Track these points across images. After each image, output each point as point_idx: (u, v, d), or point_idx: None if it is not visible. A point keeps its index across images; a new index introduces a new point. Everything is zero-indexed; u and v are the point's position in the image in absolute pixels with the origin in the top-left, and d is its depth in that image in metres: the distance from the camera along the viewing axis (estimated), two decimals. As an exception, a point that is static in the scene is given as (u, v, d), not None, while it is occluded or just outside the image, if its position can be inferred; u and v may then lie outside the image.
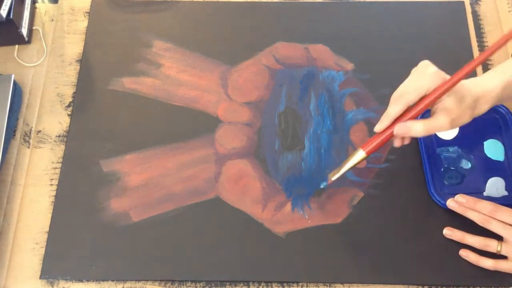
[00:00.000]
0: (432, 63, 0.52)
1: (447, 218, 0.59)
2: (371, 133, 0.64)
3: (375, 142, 0.52)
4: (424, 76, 0.50)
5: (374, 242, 0.58)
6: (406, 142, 0.54)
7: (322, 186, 0.60)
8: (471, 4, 0.73)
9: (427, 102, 0.50)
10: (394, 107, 0.50)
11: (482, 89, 0.53)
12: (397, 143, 0.54)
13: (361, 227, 0.59)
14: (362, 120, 0.65)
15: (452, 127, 0.50)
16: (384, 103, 0.65)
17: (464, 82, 0.52)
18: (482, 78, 0.54)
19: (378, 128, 0.52)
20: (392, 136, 0.52)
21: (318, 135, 0.64)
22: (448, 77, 0.50)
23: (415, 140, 0.62)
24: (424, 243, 0.58)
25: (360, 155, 0.53)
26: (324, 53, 0.69)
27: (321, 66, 0.69)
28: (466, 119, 0.52)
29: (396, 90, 0.52)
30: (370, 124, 0.65)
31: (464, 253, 0.57)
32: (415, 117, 0.51)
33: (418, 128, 0.50)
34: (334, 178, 0.55)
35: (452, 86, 0.49)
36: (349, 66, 0.68)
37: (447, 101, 0.50)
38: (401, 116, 0.51)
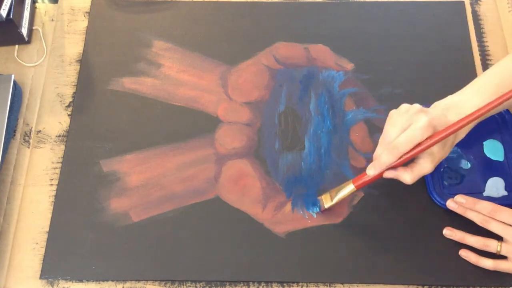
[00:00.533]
0: (421, 106, 0.53)
1: (447, 218, 0.59)
2: (371, 133, 0.64)
3: (365, 180, 0.54)
4: (417, 128, 0.50)
5: (374, 242, 0.58)
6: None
7: (315, 216, 0.60)
8: (471, 4, 0.73)
9: (416, 152, 0.51)
10: (388, 157, 0.51)
11: (460, 118, 0.52)
12: (386, 177, 0.55)
13: (361, 227, 0.59)
14: (362, 120, 0.65)
15: (434, 167, 0.52)
16: (384, 103, 0.66)
17: (435, 106, 0.53)
18: (458, 102, 0.54)
19: (371, 173, 0.53)
20: (381, 176, 0.54)
21: (318, 135, 0.64)
22: (439, 125, 0.51)
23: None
24: (424, 243, 0.58)
25: (350, 188, 0.56)
26: (324, 53, 0.69)
27: (321, 66, 0.69)
28: (446, 155, 0.54)
29: (386, 133, 0.53)
30: (370, 124, 0.65)
31: (464, 253, 0.57)
32: (402, 164, 0.52)
33: (406, 178, 0.52)
34: (327, 206, 0.58)
35: (443, 138, 0.50)
36: (349, 66, 0.68)
37: (433, 148, 0.51)
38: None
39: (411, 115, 0.52)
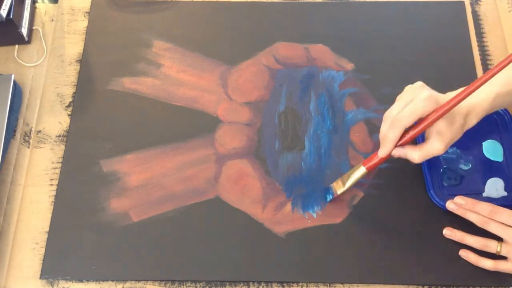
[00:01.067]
0: (426, 84, 0.53)
1: (446, 218, 0.59)
2: (371, 133, 0.64)
3: (375, 161, 0.55)
4: (419, 99, 0.51)
5: (374, 242, 0.58)
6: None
7: (328, 200, 0.60)
8: (471, 4, 0.73)
9: (421, 127, 0.51)
10: (393, 132, 0.52)
11: (471, 104, 0.53)
12: (395, 156, 0.55)
13: (361, 227, 0.59)
14: (362, 120, 0.65)
15: (446, 149, 0.52)
16: (384, 103, 0.66)
17: (448, 95, 0.53)
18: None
19: (382, 153, 0.53)
20: (389, 156, 0.54)
21: (318, 135, 0.64)
22: (441, 99, 0.51)
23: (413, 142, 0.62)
24: (424, 243, 0.58)
25: (362, 170, 0.56)
26: (324, 53, 0.69)
27: (321, 66, 0.69)
28: (458, 137, 0.53)
29: (390, 110, 0.53)
30: (370, 124, 0.65)
31: (464, 254, 0.57)
32: (410, 140, 0.53)
33: (414, 156, 0.52)
34: (340, 192, 0.58)
35: (447, 111, 0.50)
36: (349, 66, 0.68)
37: (440, 125, 0.51)
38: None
39: (413, 90, 0.52)
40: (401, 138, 0.52)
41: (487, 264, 0.55)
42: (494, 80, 0.54)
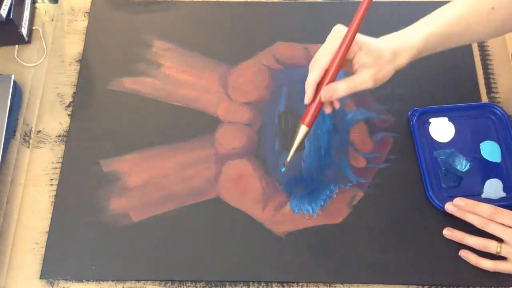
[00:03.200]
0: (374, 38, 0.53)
1: (446, 218, 0.59)
2: (371, 133, 0.64)
3: (310, 113, 0.54)
4: (328, 37, 0.52)
5: (374, 242, 0.58)
6: (337, 106, 0.55)
7: (283, 170, 0.61)
8: (471, 4, 0.73)
9: (337, 61, 0.51)
10: (312, 74, 0.52)
11: (401, 42, 0.53)
12: (327, 110, 0.55)
13: (361, 227, 0.59)
14: (362, 120, 0.65)
15: (375, 82, 0.52)
16: (384, 103, 0.66)
17: (381, 38, 0.54)
18: (403, 31, 0.55)
19: (306, 99, 0.53)
20: (322, 103, 0.53)
21: (318, 135, 0.64)
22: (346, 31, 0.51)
23: (412, 143, 0.62)
24: (424, 243, 0.58)
25: (303, 129, 0.55)
26: (324, 53, 0.69)
27: (321, 66, 0.68)
28: (388, 73, 0.53)
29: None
30: (370, 124, 0.65)
31: (463, 254, 0.57)
32: (333, 79, 0.52)
33: (341, 87, 0.51)
34: (288, 159, 0.57)
35: (351, 39, 0.50)
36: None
37: (364, 58, 0.51)
38: (321, 83, 0.52)
39: (335, 32, 0.53)
40: (322, 82, 0.52)
41: (487, 264, 0.55)
42: (429, 19, 0.54)
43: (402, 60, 0.54)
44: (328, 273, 0.57)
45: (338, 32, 0.52)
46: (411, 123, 0.63)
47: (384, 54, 0.52)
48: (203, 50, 0.70)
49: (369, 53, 0.51)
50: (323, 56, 0.52)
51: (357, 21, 0.50)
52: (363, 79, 0.51)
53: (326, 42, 0.53)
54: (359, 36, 0.51)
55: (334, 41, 0.51)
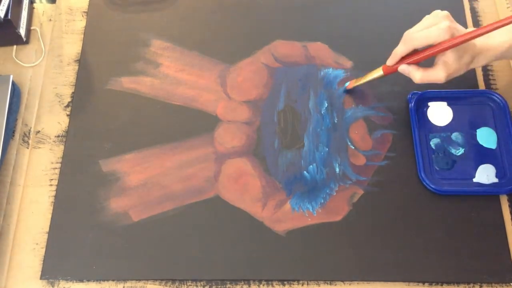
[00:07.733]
0: (452, 18, 0.54)
1: (447, 215, 0.59)
2: (371, 131, 0.64)
3: (389, 70, 0.58)
4: (437, 28, 0.52)
5: (374, 240, 0.58)
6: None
7: (345, 88, 0.66)
8: (470, 1, 0.73)
9: (431, 53, 0.53)
10: (401, 48, 0.55)
11: (486, 45, 0.55)
12: (400, 71, 0.58)
13: (361, 225, 0.59)
14: (361, 117, 0.65)
15: (447, 79, 0.55)
16: (383, 101, 0.66)
17: None
18: (489, 34, 0.55)
19: (388, 62, 0.58)
20: (396, 70, 0.57)
21: (317, 133, 0.64)
22: (458, 33, 0.52)
23: (411, 140, 0.62)
24: (424, 240, 0.58)
25: (379, 72, 0.60)
26: (323, 51, 0.69)
27: (320, 64, 0.69)
28: (461, 72, 0.55)
29: (410, 30, 0.55)
30: (369, 121, 0.65)
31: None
32: (418, 61, 0.55)
33: (416, 75, 0.55)
34: (352, 86, 0.64)
35: (459, 44, 0.52)
36: (348, 64, 0.68)
37: (449, 56, 0.53)
38: (408, 56, 0.56)
39: (437, 17, 0.54)
40: (410, 57, 0.55)
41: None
42: None
43: (480, 63, 0.56)
44: (329, 271, 0.57)
45: (441, 19, 0.53)
46: (410, 105, 0.63)
47: (466, 56, 0.54)
48: (201, 49, 0.70)
49: (455, 51, 0.53)
50: (418, 39, 0.53)
51: (476, 34, 0.51)
52: (439, 76, 0.54)
53: (426, 24, 0.54)
54: (458, 34, 0.53)
55: (433, 29, 0.52)
